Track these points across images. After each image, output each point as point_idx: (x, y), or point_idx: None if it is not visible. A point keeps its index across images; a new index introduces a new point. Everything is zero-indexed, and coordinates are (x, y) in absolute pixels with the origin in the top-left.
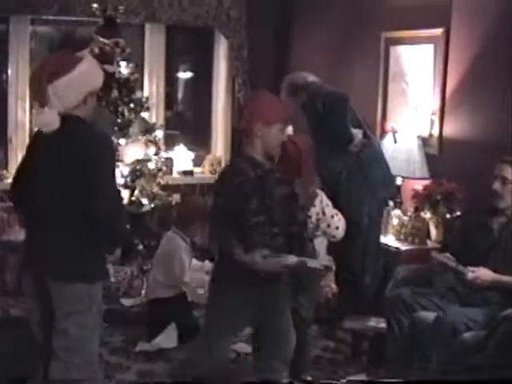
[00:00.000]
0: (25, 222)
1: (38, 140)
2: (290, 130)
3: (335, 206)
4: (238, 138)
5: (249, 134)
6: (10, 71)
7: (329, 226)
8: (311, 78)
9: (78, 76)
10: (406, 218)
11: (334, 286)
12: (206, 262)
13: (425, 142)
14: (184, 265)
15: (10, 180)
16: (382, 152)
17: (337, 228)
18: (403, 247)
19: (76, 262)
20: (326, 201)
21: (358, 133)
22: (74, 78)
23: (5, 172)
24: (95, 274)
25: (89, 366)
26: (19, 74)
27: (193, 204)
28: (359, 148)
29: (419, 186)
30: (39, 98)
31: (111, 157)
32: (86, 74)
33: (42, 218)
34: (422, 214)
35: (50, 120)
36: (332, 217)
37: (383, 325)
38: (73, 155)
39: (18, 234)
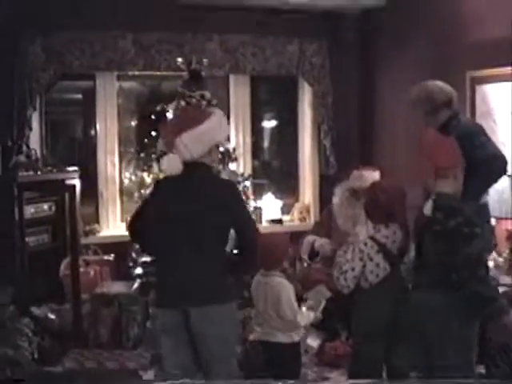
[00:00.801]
0: (158, 262)
1: (166, 185)
2: (376, 174)
3: None
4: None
5: (448, 174)
6: (98, 127)
7: None
8: (449, 89)
9: (205, 130)
10: (501, 260)
11: None
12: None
13: None
14: (295, 307)
15: (101, 234)
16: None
17: None
18: (500, 290)
19: (220, 287)
20: None
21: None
22: (201, 131)
23: (96, 226)
24: (234, 294)
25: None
26: (108, 130)
27: (280, 241)
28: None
29: None
30: (168, 147)
31: (240, 194)
32: (212, 129)
33: (180, 255)
34: None
35: (174, 165)
36: None
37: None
38: (206, 196)
39: (111, 287)
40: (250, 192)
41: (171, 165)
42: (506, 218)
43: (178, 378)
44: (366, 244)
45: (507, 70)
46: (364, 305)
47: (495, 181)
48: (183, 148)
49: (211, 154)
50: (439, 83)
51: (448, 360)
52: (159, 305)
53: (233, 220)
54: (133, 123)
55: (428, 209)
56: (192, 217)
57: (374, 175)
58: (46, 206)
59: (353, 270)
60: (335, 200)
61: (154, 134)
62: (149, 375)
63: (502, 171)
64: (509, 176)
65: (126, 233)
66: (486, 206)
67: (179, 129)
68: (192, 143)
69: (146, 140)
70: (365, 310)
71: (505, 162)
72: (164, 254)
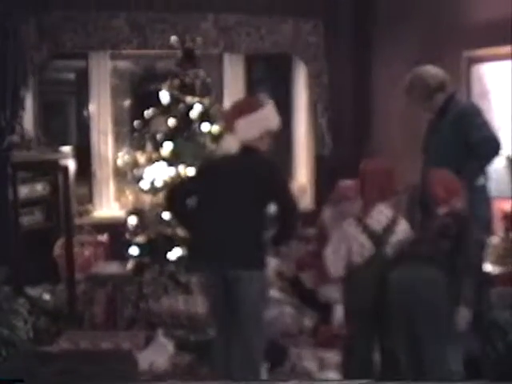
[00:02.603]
0: (202, 228)
1: (218, 163)
2: None
3: None
4: None
5: None
6: (91, 106)
7: None
8: (441, 73)
9: (258, 118)
10: (496, 240)
11: None
12: None
13: None
14: None
15: (95, 214)
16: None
17: None
18: (495, 269)
19: (255, 254)
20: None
21: (481, 176)
22: (255, 118)
23: (90, 206)
24: (265, 262)
25: (261, 333)
26: (101, 109)
27: None
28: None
29: (508, 206)
30: (228, 128)
31: (281, 175)
32: (264, 118)
33: (223, 225)
34: None
35: (231, 145)
36: None
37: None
38: (252, 174)
39: (105, 267)
40: None
41: (229, 144)
42: (502, 198)
43: None
44: (349, 224)
45: (504, 49)
46: (350, 285)
47: (488, 163)
48: (240, 130)
49: (263, 139)
50: (431, 68)
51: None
52: (201, 269)
53: (276, 200)
54: (126, 103)
55: None
56: (237, 193)
57: None
58: (39, 186)
59: (338, 251)
60: (326, 215)
61: (147, 113)
62: (143, 355)
63: (495, 153)
64: (505, 156)
65: (120, 213)
66: (483, 188)
67: (238, 114)
68: (247, 127)
69: (139, 120)
70: (351, 290)
71: (497, 145)
72: (207, 224)
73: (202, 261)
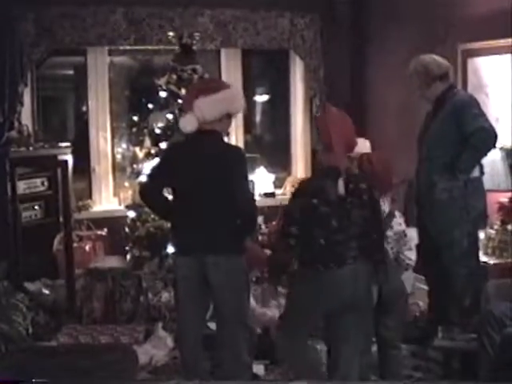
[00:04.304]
0: (179, 216)
1: (178, 148)
2: (367, 145)
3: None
4: None
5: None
6: (89, 102)
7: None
8: (445, 63)
9: (219, 99)
10: (492, 232)
11: (421, 304)
12: None
13: (508, 153)
14: None
15: (94, 209)
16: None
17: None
18: (491, 261)
19: (232, 240)
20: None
21: (477, 168)
22: (216, 99)
23: (89, 201)
24: (242, 246)
25: (245, 325)
26: (99, 105)
27: None
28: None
29: (504, 198)
30: (187, 107)
31: (242, 161)
32: (226, 99)
33: (194, 212)
34: (509, 226)
35: (189, 123)
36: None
37: (475, 342)
38: (212, 159)
39: (104, 262)
40: None
41: (188, 123)
42: (498, 190)
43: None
44: None
45: (500, 42)
46: None
47: (484, 153)
48: (198, 110)
49: (222, 121)
50: (435, 57)
51: None
52: (179, 254)
53: (230, 185)
54: (124, 98)
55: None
56: (202, 177)
57: (365, 143)
58: (38, 182)
59: None
60: None
61: (146, 108)
62: (143, 349)
63: (490, 144)
64: (500, 148)
65: (119, 207)
66: (478, 180)
67: (198, 93)
68: (206, 107)
69: (137, 115)
70: None
71: (493, 135)
72: (182, 211)
73: (183, 247)
